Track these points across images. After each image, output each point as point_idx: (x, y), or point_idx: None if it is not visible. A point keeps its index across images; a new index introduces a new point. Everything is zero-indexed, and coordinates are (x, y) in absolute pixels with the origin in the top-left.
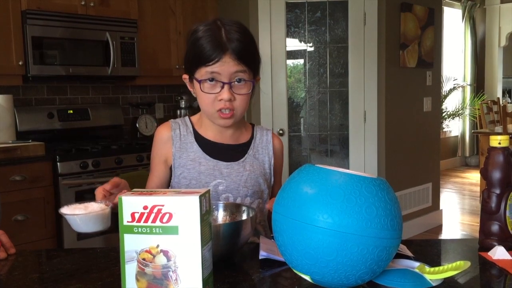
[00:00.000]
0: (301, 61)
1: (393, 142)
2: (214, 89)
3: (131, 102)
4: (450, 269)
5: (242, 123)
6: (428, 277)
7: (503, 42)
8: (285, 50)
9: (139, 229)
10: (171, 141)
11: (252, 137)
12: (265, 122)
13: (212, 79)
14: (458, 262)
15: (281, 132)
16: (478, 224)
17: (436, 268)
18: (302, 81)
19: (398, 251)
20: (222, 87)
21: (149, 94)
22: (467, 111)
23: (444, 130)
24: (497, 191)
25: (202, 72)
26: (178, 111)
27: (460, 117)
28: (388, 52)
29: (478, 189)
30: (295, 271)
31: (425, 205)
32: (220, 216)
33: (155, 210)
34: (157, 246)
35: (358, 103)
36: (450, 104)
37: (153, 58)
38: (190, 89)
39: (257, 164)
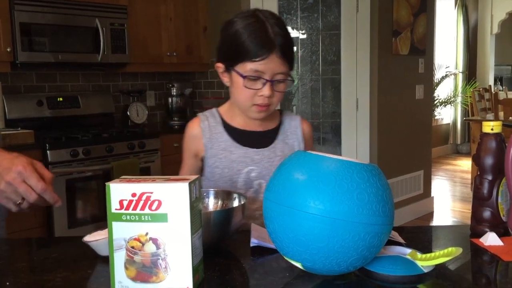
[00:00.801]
0: (294, 48)
1: (385, 130)
2: (255, 85)
3: (121, 89)
4: (441, 255)
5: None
6: (419, 263)
7: (495, 30)
8: None
9: (128, 217)
10: (201, 134)
11: (280, 123)
12: None
13: (256, 78)
14: (449, 249)
15: None
16: (469, 211)
17: (428, 255)
18: (294, 69)
19: (390, 237)
20: (264, 84)
21: (140, 82)
22: (459, 99)
23: (436, 117)
24: (489, 177)
25: (247, 68)
26: (170, 99)
27: (452, 104)
28: (381, 39)
29: (469, 176)
30: (286, 258)
31: (417, 192)
32: (211, 203)
33: (144, 197)
34: (146, 234)
35: (351, 90)
36: (442, 91)
37: (143, 44)
38: (223, 78)
39: (287, 149)
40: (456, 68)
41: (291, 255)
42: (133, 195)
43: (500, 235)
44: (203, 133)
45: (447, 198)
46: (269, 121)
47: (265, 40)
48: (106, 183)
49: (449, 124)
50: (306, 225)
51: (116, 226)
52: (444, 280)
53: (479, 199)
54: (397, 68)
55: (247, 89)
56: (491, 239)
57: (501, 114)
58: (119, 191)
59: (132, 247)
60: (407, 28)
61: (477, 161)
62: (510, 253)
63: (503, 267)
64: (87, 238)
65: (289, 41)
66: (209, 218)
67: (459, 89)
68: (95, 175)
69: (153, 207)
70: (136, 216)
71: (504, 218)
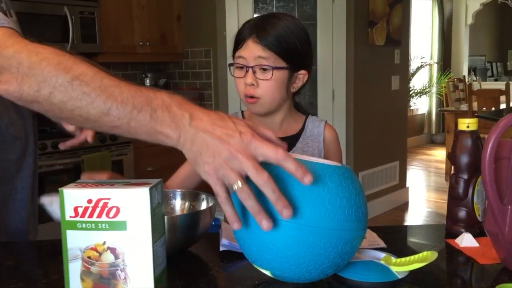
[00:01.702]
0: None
1: (362, 121)
2: (241, 74)
3: None
4: (416, 260)
5: (289, 114)
6: (394, 269)
7: (470, 21)
8: None
9: (83, 225)
10: None
11: (302, 129)
12: (232, 100)
13: (241, 66)
14: (425, 253)
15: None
16: (444, 201)
17: (403, 259)
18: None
19: (373, 245)
20: (247, 71)
21: (113, 72)
22: (433, 89)
23: (411, 108)
24: (465, 176)
25: (235, 57)
26: None
27: (427, 95)
28: (357, 30)
29: (443, 166)
30: (255, 266)
31: (392, 183)
32: (178, 205)
33: (101, 204)
34: (104, 243)
35: (327, 81)
36: (417, 82)
37: (115, 34)
38: None
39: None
40: (431, 59)
41: (260, 263)
42: (89, 201)
43: (476, 235)
44: None
45: (422, 188)
46: (290, 126)
47: (247, 29)
48: (59, 189)
49: (424, 114)
50: (274, 232)
51: (71, 235)
52: (419, 286)
53: (455, 198)
54: (373, 58)
55: (236, 79)
56: (466, 240)
57: (475, 105)
58: (74, 197)
59: (89, 257)
60: (383, 18)
61: (452, 159)
62: (485, 255)
63: (479, 270)
64: (45, 200)
65: (278, 31)
66: (174, 223)
67: (434, 79)
68: (65, 168)
69: (111, 214)
70: (93, 224)
71: (479, 218)
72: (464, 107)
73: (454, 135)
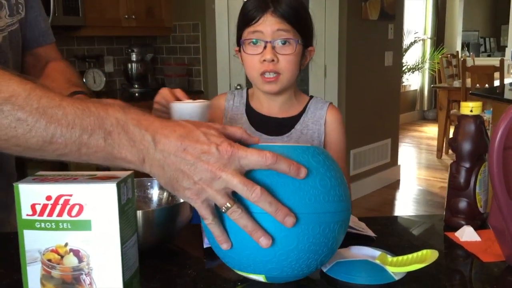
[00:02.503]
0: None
1: (354, 98)
2: (256, 50)
3: (77, 54)
4: (415, 260)
5: (294, 94)
6: (390, 269)
7: None
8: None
9: (42, 224)
10: (223, 114)
11: (303, 111)
12: (221, 76)
13: (255, 41)
14: (424, 251)
15: (238, 87)
16: (435, 179)
17: (400, 258)
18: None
19: (359, 230)
20: (265, 47)
21: (97, 46)
22: (426, 65)
23: (403, 84)
24: (467, 165)
25: (246, 33)
26: (130, 65)
27: (420, 71)
28: (350, 3)
29: (435, 143)
30: (243, 274)
31: (384, 161)
32: (155, 195)
33: (61, 201)
34: (66, 244)
35: (319, 57)
36: (410, 58)
37: (99, 6)
38: (242, 63)
39: (303, 141)
40: (425, 34)
41: (251, 269)
42: (48, 198)
43: (477, 228)
44: (225, 112)
45: (413, 166)
46: (292, 107)
47: (260, 2)
48: (14, 184)
49: (416, 90)
50: (271, 229)
51: (29, 235)
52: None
53: (455, 188)
54: (366, 33)
55: (249, 56)
56: (467, 234)
57: (468, 81)
58: (31, 193)
59: (49, 260)
60: None
61: (453, 146)
62: (488, 252)
63: (481, 269)
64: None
65: (292, 4)
66: (149, 218)
67: (427, 55)
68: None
69: (73, 212)
70: (53, 224)
71: (481, 210)
72: (457, 83)
73: (456, 120)
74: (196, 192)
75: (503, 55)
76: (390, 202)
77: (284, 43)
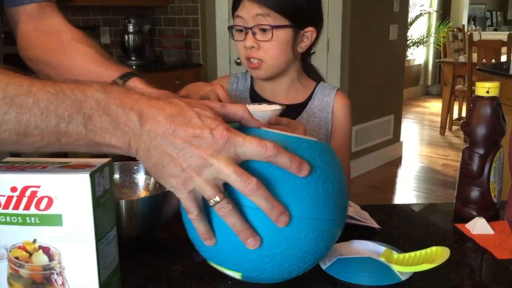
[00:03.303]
0: None
1: (357, 73)
2: (240, 37)
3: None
4: (423, 259)
5: (297, 79)
6: (396, 269)
7: None
8: None
9: (7, 218)
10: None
11: (310, 97)
12: (221, 50)
13: (239, 29)
14: (434, 249)
15: (238, 61)
16: (437, 156)
17: (407, 255)
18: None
19: (363, 222)
20: (246, 34)
21: (93, 17)
22: (432, 39)
23: (407, 58)
24: (481, 151)
25: (234, 19)
26: (126, 36)
27: (425, 45)
28: None
29: (438, 119)
30: (217, 267)
31: (386, 138)
32: (142, 180)
33: (28, 192)
34: (34, 241)
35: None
36: (415, 31)
37: None
38: None
39: (310, 129)
40: (431, 7)
41: (229, 264)
42: (13, 189)
43: (489, 219)
44: (229, 94)
45: (415, 142)
46: (298, 93)
47: None
48: None
49: (420, 65)
50: (259, 227)
51: None
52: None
53: (468, 176)
54: (371, 6)
55: (237, 43)
56: (479, 227)
57: (474, 56)
58: None
59: (16, 258)
60: None
61: (467, 130)
62: (502, 247)
63: (496, 267)
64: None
65: None
66: (132, 208)
67: (433, 29)
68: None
69: (42, 206)
70: (19, 218)
71: (495, 200)
72: (462, 58)
73: (470, 101)
74: (182, 181)
75: (510, 29)
76: (391, 179)
77: (264, 30)
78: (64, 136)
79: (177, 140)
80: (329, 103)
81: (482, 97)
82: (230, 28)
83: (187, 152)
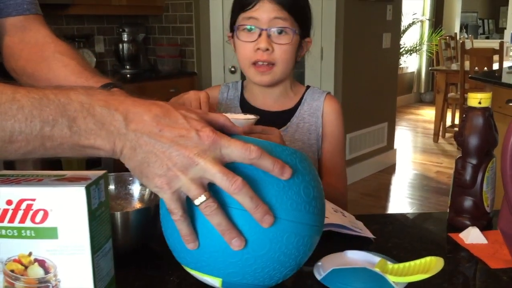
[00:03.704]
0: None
1: (351, 81)
2: (250, 37)
3: (66, 34)
4: (418, 269)
5: (290, 86)
6: (390, 279)
7: None
8: None
9: (3, 232)
10: (217, 105)
11: (299, 103)
12: (215, 58)
13: (250, 28)
14: (428, 259)
15: (233, 69)
16: (431, 163)
17: (401, 265)
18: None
19: (357, 232)
20: (260, 35)
21: (87, 25)
22: (424, 47)
23: (400, 66)
24: (474, 161)
25: (240, 19)
26: (121, 45)
27: (417, 53)
28: None
29: (431, 126)
30: (196, 273)
31: (380, 145)
32: (137, 191)
33: (24, 205)
34: (30, 254)
35: (315, 39)
36: (408, 39)
37: None
38: (233, 46)
39: (299, 135)
40: (423, 15)
41: (208, 269)
42: (9, 202)
43: (483, 229)
44: (219, 106)
45: (409, 150)
46: (288, 99)
47: None
48: None
49: (413, 72)
50: (245, 227)
51: None
52: None
53: (461, 186)
54: (364, 15)
55: (243, 43)
56: (473, 236)
57: (467, 64)
58: None
59: (12, 271)
60: None
61: (460, 141)
62: (496, 256)
63: (490, 277)
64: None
65: None
66: (126, 220)
67: (425, 37)
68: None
69: (37, 219)
70: (15, 231)
71: (488, 209)
72: (455, 66)
73: (463, 112)
74: (168, 180)
75: (502, 37)
76: (385, 187)
77: (280, 32)
78: (49, 140)
79: (163, 139)
80: (319, 107)
81: (475, 108)
82: (233, 28)
83: (173, 151)
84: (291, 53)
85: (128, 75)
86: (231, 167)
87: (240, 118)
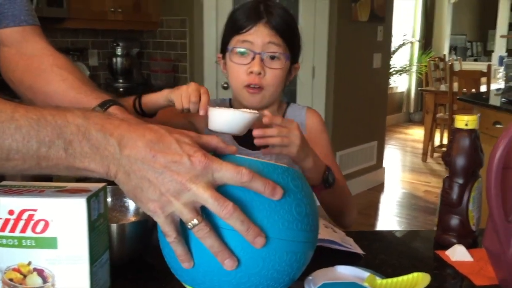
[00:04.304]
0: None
1: (341, 100)
2: (244, 60)
3: (60, 47)
4: (405, 284)
5: (276, 108)
6: None
7: None
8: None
9: (4, 241)
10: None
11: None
12: (208, 75)
13: (244, 51)
14: (415, 275)
15: (225, 85)
16: (419, 182)
17: (389, 281)
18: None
19: (347, 248)
20: (253, 58)
21: (82, 39)
22: (414, 68)
23: (390, 85)
24: (460, 181)
25: (234, 41)
26: (114, 59)
27: (407, 73)
28: (340, 4)
29: (420, 146)
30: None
31: (370, 163)
32: (132, 204)
33: (25, 216)
34: (29, 263)
35: (307, 58)
36: (398, 60)
37: None
38: (223, 69)
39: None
40: (413, 37)
41: (206, 286)
42: (11, 212)
43: (468, 247)
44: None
45: (398, 169)
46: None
47: (253, 12)
48: None
49: (403, 92)
50: (238, 247)
51: None
52: None
53: (447, 205)
54: (356, 35)
55: (236, 66)
56: (459, 254)
57: (455, 85)
58: None
59: (11, 280)
60: None
61: (447, 161)
62: (481, 274)
63: None
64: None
65: (285, 18)
66: (122, 232)
67: (415, 58)
68: None
69: (38, 229)
70: (15, 240)
71: (473, 228)
72: (443, 87)
73: (451, 133)
74: (161, 205)
75: (489, 59)
76: (374, 205)
77: (273, 57)
78: (45, 160)
79: (156, 165)
80: (301, 123)
81: (462, 130)
82: (225, 50)
83: (166, 177)
84: (281, 78)
85: (121, 89)
86: (223, 189)
87: (247, 112)
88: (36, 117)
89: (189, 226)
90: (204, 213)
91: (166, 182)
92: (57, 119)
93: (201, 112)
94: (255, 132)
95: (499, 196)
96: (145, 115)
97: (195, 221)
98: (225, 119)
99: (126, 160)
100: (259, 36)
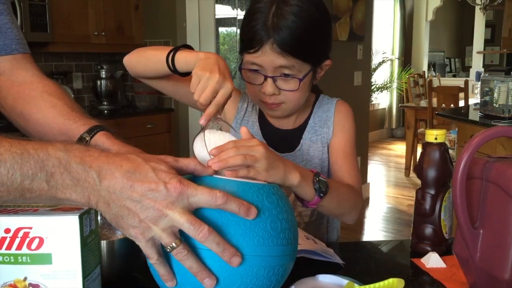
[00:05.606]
0: (234, 29)
1: None
2: (255, 79)
3: (45, 71)
4: None
5: (303, 107)
6: None
7: (430, 17)
8: (213, 17)
9: (0, 258)
10: (236, 108)
11: (310, 114)
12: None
13: (255, 72)
14: (391, 280)
15: None
16: (403, 197)
17: (367, 287)
18: (235, 49)
19: (328, 258)
20: (265, 79)
21: (65, 63)
22: (394, 85)
23: (372, 102)
24: (432, 192)
25: (246, 59)
26: (99, 82)
27: (388, 90)
28: None
29: (403, 161)
30: None
31: None
32: None
33: (21, 233)
34: (25, 279)
35: None
36: (379, 77)
37: (68, 22)
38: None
39: (314, 150)
40: (393, 54)
41: None
42: (7, 231)
43: (442, 254)
44: (237, 112)
45: (382, 184)
46: (301, 115)
47: (261, 27)
48: None
49: (385, 109)
50: (216, 266)
51: None
52: None
53: (421, 215)
54: (336, 54)
55: (249, 85)
56: (433, 261)
57: (434, 101)
58: None
59: None
60: (347, 13)
61: (419, 173)
62: (453, 279)
63: None
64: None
65: (298, 31)
66: (112, 248)
67: (395, 75)
68: None
69: (33, 245)
70: (11, 257)
71: (446, 236)
72: (423, 103)
73: (422, 147)
74: (141, 231)
75: (468, 75)
76: (360, 220)
77: (286, 76)
78: (28, 192)
79: (134, 194)
80: (330, 118)
81: (431, 143)
82: (239, 68)
83: (144, 205)
84: (301, 93)
85: (105, 111)
86: (199, 211)
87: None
88: (19, 151)
89: (168, 249)
90: (182, 235)
91: (144, 209)
92: (39, 152)
93: (201, 122)
94: (212, 154)
95: (465, 204)
96: (177, 72)
97: (174, 245)
98: (203, 156)
99: (106, 190)
100: (267, 60)
